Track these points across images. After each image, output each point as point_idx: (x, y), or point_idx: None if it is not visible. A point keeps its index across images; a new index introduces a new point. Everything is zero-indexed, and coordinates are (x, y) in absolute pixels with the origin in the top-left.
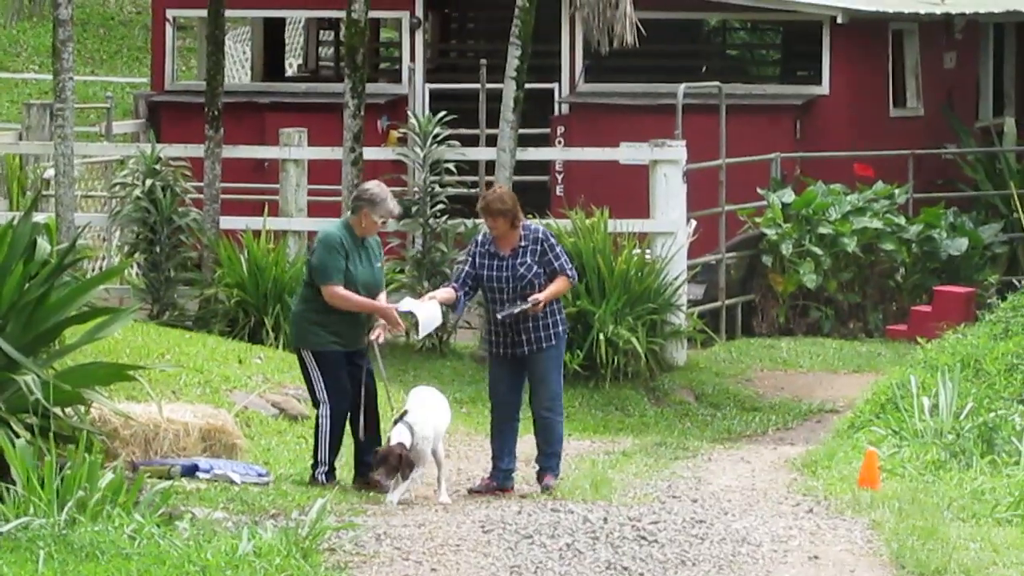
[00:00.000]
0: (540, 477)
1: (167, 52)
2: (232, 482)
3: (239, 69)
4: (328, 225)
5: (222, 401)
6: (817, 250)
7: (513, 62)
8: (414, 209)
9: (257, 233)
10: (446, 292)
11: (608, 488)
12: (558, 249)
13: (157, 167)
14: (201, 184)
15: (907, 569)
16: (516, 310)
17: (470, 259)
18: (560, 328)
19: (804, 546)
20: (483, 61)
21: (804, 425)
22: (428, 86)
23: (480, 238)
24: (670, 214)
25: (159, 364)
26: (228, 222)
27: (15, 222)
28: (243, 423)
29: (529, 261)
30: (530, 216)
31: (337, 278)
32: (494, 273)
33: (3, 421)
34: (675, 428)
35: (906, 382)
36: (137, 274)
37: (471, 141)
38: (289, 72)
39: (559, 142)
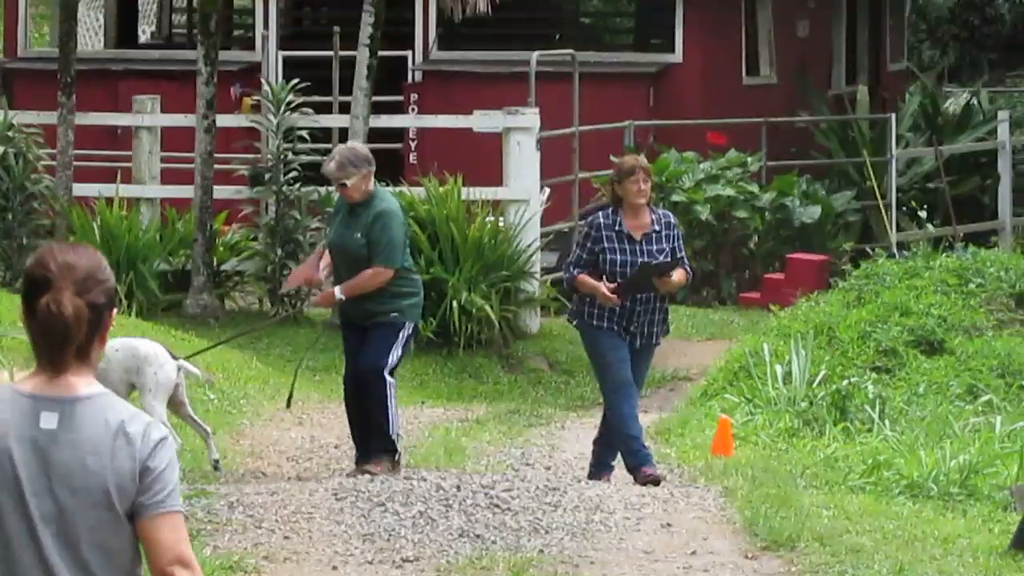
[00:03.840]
0: (600, 473)
1: (20, 18)
2: None
3: (93, 36)
4: None
5: None
6: None
7: (366, 29)
8: (267, 176)
9: (110, 200)
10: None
11: (461, 456)
12: (681, 241)
13: (10, 134)
14: (54, 151)
15: (760, 536)
16: (652, 265)
17: (588, 244)
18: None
19: (657, 514)
20: (336, 28)
21: (658, 393)
22: (281, 53)
23: (602, 221)
24: (523, 182)
25: (11, 331)
26: (81, 189)
27: None
28: None
29: (665, 248)
30: (384, 183)
31: (322, 243)
32: (627, 258)
33: None
34: (529, 396)
35: (759, 350)
36: None
37: (324, 108)
38: (142, 39)
39: (412, 109)
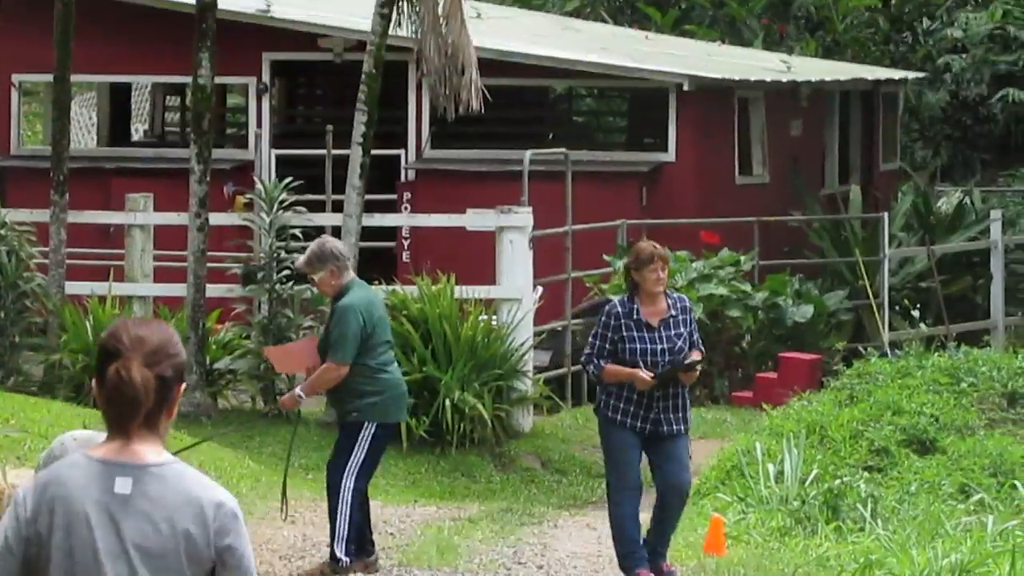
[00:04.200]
0: (658, 565)
1: (13, 117)
2: None
3: (85, 134)
4: None
5: None
6: None
7: (359, 128)
8: (260, 275)
9: (103, 298)
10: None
11: (454, 554)
12: (695, 323)
13: (2, 232)
14: (47, 249)
15: None
16: (675, 367)
17: (607, 333)
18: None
19: None
20: (329, 127)
21: (650, 492)
22: (274, 152)
23: (619, 309)
24: (516, 280)
25: (4, 429)
26: (74, 287)
27: None
28: None
29: (684, 332)
30: (376, 282)
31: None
32: (647, 346)
33: None
34: (521, 494)
35: (751, 448)
36: None
37: (317, 207)
38: (135, 137)
39: (405, 208)
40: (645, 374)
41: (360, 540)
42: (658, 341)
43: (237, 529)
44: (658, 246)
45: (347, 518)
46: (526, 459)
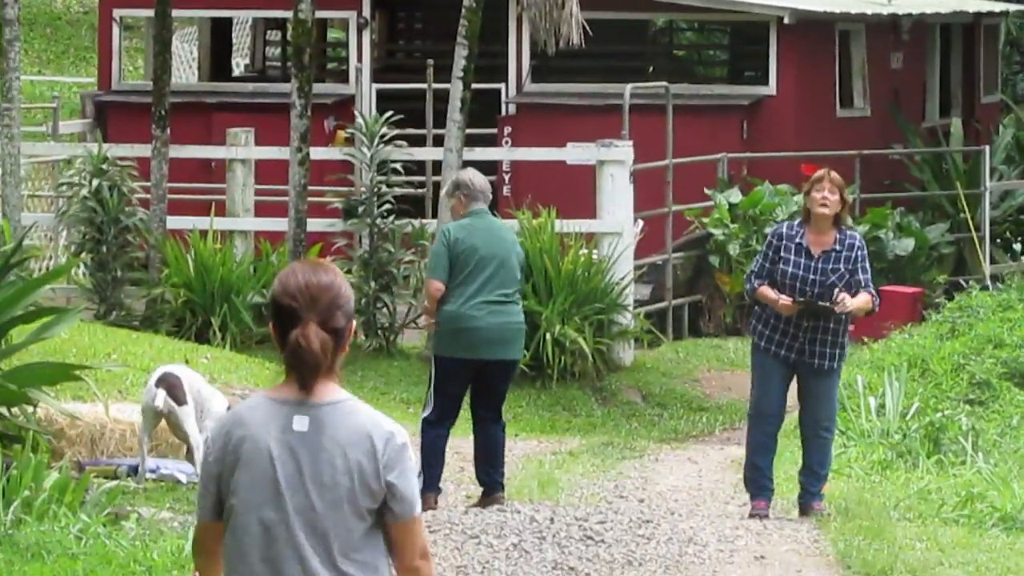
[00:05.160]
0: (806, 503)
1: (114, 52)
2: (178, 482)
3: (186, 69)
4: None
5: None
6: None
7: (460, 62)
8: (361, 209)
9: (204, 233)
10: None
11: (555, 488)
12: (868, 264)
13: (104, 167)
14: (148, 184)
15: (853, 569)
16: (822, 304)
17: (769, 252)
18: (847, 348)
19: (751, 546)
20: (430, 61)
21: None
22: (375, 86)
23: (785, 230)
24: (617, 214)
25: (106, 364)
26: (175, 222)
27: None
28: None
29: (842, 269)
30: None
31: None
32: (800, 272)
33: None
34: (622, 428)
35: (853, 382)
36: (84, 274)
37: (418, 141)
38: (236, 72)
39: (506, 142)
40: (787, 300)
41: (431, 475)
42: (813, 272)
43: (404, 461)
44: (834, 173)
45: (424, 457)
46: (627, 393)
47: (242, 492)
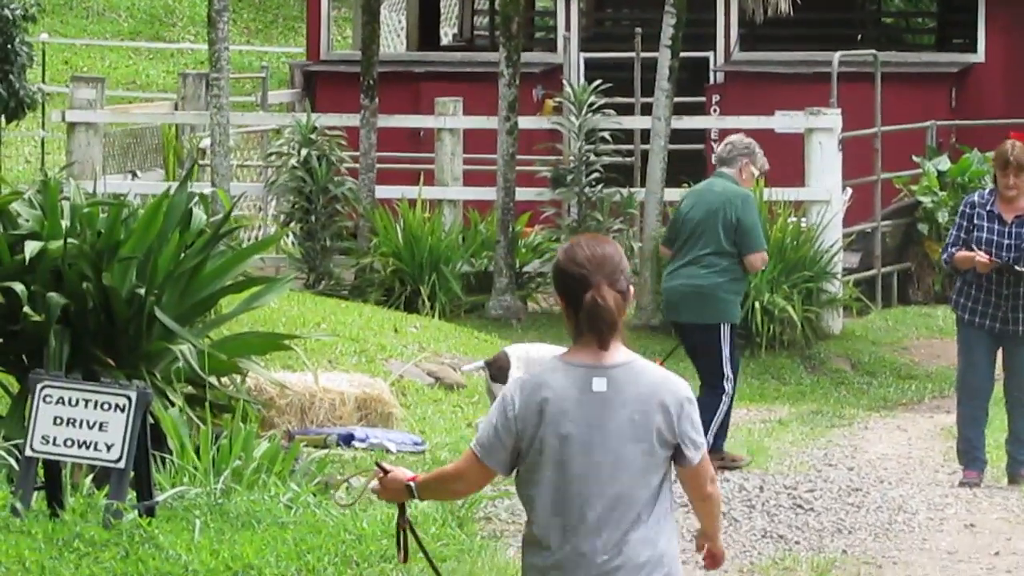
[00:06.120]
0: (1015, 471)
1: (323, 22)
2: (388, 451)
3: (394, 38)
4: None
5: (378, 370)
6: None
7: (668, 31)
8: (569, 178)
9: (413, 202)
10: None
11: (764, 456)
12: None
13: (313, 137)
14: (357, 153)
15: None
16: (1018, 268)
17: (963, 222)
18: None
19: (960, 514)
20: (638, 30)
21: None
22: (583, 55)
23: (976, 198)
24: (825, 182)
25: (315, 333)
26: (384, 191)
27: (171, 192)
28: (399, 392)
29: None
30: (684, 184)
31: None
32: (994, 237)
33: (159, 391)
34: (831, 396)
35: None
36: (293, 243)
37: (626, 110)
38: (444, 41)
39: (714, 111)
40: (984, 256)
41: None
42: (1007, 236)
43: (692, 412)
44: (1018, 155)
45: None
46: (836, 361)
47: (548, 450)
